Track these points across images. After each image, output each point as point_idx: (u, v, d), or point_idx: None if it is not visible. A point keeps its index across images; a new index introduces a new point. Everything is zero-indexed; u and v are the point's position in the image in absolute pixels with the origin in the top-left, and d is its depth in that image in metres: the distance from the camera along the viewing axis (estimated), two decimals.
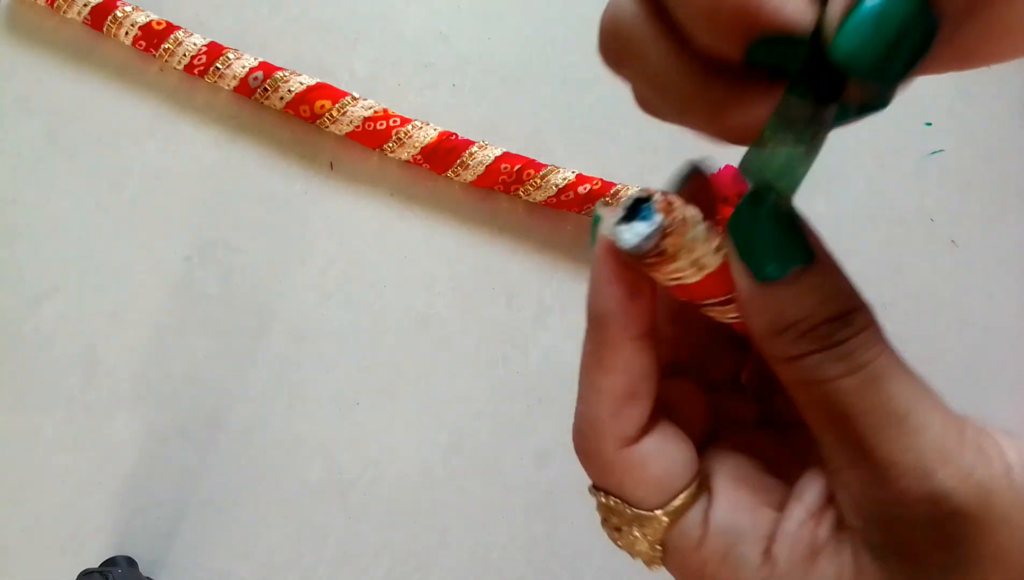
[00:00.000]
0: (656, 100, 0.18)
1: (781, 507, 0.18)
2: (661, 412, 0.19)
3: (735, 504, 0.18)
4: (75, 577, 0.36)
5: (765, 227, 0.16)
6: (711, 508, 0.18)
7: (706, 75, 0.16)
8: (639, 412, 0.18)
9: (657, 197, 0.17)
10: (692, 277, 0.17)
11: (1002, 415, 0.47)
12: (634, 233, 0.17)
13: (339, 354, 0.43)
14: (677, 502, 0.18)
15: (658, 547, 0.19)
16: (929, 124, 0.51)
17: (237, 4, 0.47)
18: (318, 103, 0.44)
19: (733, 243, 0.17)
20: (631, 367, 0.18)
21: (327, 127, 0.44)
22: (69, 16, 0.45)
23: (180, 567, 0.40)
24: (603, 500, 0.20)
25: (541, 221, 0.46)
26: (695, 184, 0.19)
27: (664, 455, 0.19)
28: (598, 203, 0.16)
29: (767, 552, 0.17)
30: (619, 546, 0.20)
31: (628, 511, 0.19)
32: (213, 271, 0.43)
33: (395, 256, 0.45)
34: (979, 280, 0.50)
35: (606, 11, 0.18)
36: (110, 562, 0.38)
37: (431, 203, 0.46)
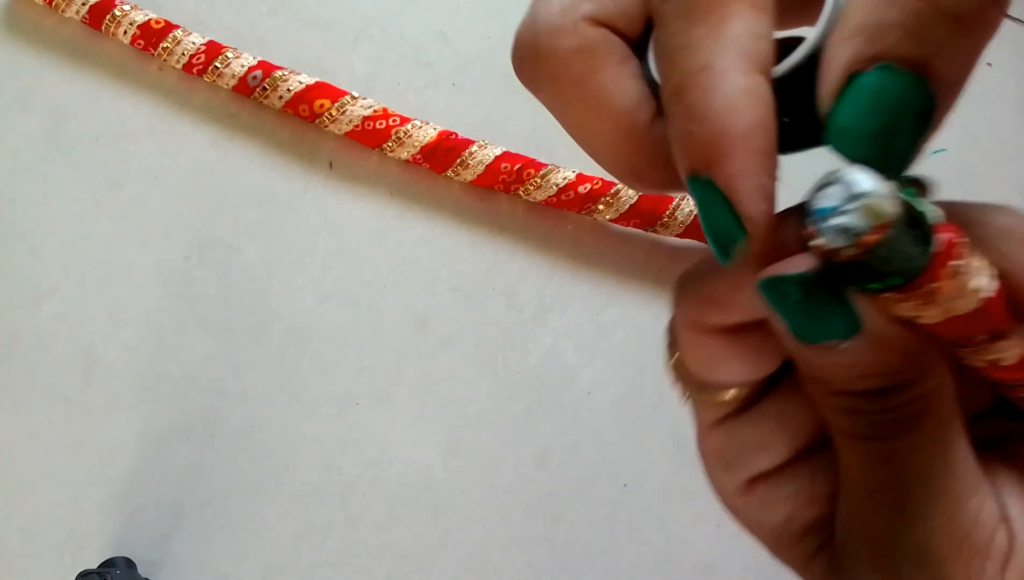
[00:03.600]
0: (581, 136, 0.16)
1: None
2: None
3: (753, 430, 0.16)
4: (73, 578, 0.36)
5: (801, 294, 0.14)
6: (734, 417, 0.17)
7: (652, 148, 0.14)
8: (724, 316, 0.15)
9: (877, 188, 0.12)
10: (934, 315, 0.13)
11: None
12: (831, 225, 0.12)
13: (339, 354, 0.43)
14: (712, 396, 0.17)
15: (687, 397, 0.17)
16: None
17: (236, 3, 0.47)
18: (317, 102, 0.44)
19: (768, 300, 0.14)
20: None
21: (326, 126, 0.44)
22: (67, 15, 0.45)
23: (179, 568, 0.40)
24: (667, 339, 0.17)
25: (541, 221, 0.45)
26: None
27: (726, 358, 0.16)
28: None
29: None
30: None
31: (673, 361, 0.17)
32: (212, 271, 0.43)
33: (395, 256, 0.45)
34: None
35: (527, 25, 0.15)
36: (108, 563, 0.38)
37: (431, 203, 0.45)
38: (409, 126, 0.44)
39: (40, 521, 0.40)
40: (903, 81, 0.12)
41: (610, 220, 0.44)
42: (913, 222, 0.12)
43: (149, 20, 0.44)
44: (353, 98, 0.44)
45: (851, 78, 0.12)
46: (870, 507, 0.15)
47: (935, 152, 0.51)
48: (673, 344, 0.17)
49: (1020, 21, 0.54)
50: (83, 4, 0.44)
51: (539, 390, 0.44)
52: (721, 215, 0.13)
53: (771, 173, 0.13)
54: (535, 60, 0.15)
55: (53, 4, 0.44)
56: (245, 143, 0.45)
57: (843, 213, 0.12)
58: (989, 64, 0.53)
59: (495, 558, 0.42)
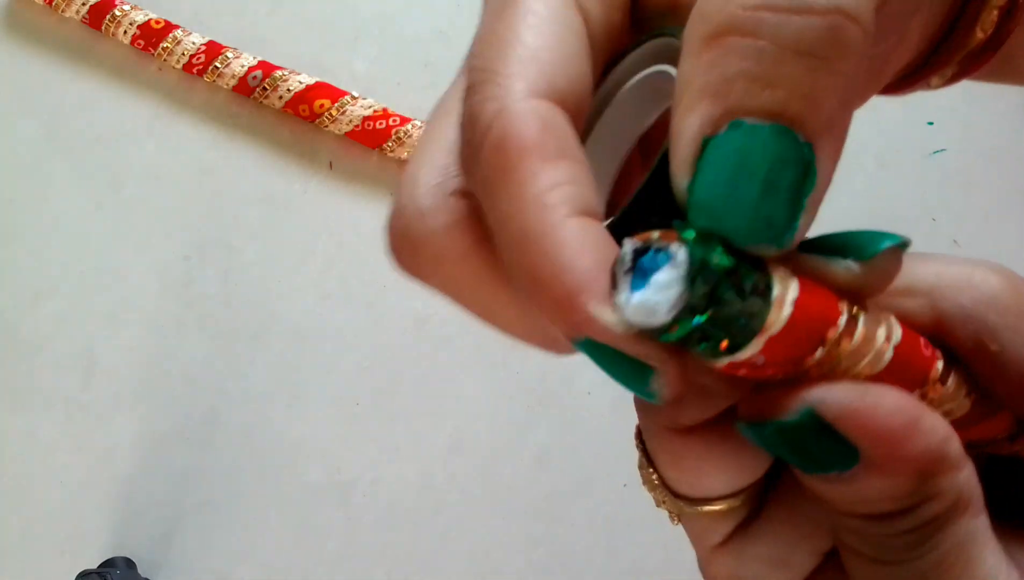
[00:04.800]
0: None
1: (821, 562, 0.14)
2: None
3: (767, 543, 0.15)
4: (73, 578, 0.36)
5: (785, 443, 0.12)
6: (742, 531, 0.15)
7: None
8: (702, 409, 0.14)
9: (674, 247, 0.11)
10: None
11: None
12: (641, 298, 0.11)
13: (339, 354, 0.43)
14: (706, 508, 0.15)
15: (676, 518, 0.16)
16: (931, 123, 0.51)
17: (236, 3, 0.47)
18: (317, 102, 0.44)
19: (756, 442, 0.13)
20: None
21: (326, 126, 0.44)
22: (68, 15, 0.45)
23: (179, 568, 0.40)
24: (639, 454, 0.16)
25: None
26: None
27: (714, 462, 0.14)
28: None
29: None
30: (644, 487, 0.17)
31: (655, 478, 0.15)
32: (212, 271, 0.43)
33: None
34: None
35: (396, 214, 0.14)
36: (108, 563, 0.38)
37: None
38: (409, 126, 0.44)
39: (40, 521, 0.40)
40: (763, 134, 0.10)
41: None
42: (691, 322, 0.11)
43: (149, 20, 0.44)
44: (353, 98, 0.44)
45: (704, 145, 0.11)
46: None
47: (936, 152, 0.51)
48: (648, 456, 0.15)
49: None
50: (83, 4, 0.44)
51: (539, 390, 0.44)
52: (622, 366, 0.12)
53: None
54: (413, 249, 0.14)
55: (53, 4, 0.44)
56: (245, 143, 0.45)
57: (636, 299, 0.11)
58: None
59: (495, 558, 0.42)
